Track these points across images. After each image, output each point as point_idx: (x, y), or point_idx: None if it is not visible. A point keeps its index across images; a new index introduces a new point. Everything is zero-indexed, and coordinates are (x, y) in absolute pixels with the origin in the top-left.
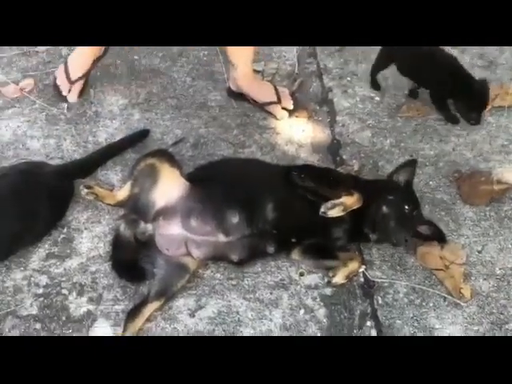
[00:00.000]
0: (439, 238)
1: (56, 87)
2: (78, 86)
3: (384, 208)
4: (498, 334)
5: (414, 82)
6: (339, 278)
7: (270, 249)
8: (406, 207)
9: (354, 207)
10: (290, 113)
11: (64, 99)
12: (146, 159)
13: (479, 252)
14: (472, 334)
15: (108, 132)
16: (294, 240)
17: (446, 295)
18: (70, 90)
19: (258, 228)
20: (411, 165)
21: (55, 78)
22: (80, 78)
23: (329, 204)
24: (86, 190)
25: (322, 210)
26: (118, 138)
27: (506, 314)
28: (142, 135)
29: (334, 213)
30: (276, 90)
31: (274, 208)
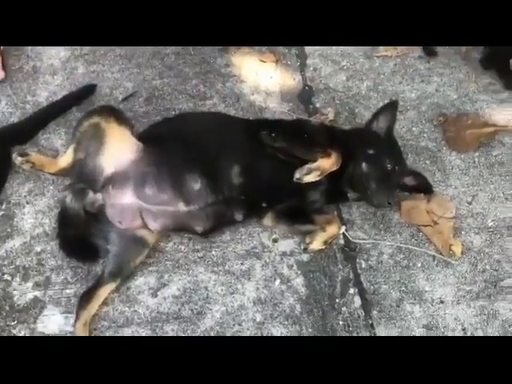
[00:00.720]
0: (425, 188)
1: None
2: None
3: (364, 165)
4: (492, 292)
5: None
6: (317, 245)
7: (239, 216)
8: (388, 163)
9: (332, 169)
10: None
11: None
12: (89, 118)
13: (469, 203)
14: (464, 294)
15: (49, 89)
16: (264, 205)
17: (435, 254)
18: None
19: (224, 194)
20: (391, 108)
21: None
22: None
23: (304, 169)
24: (20, 159)
25: (297, 176)
26: (60, 95)
27: (501, 270)
28: (88, 91)
29: (311, 178)
30: None
31: (240, 171)
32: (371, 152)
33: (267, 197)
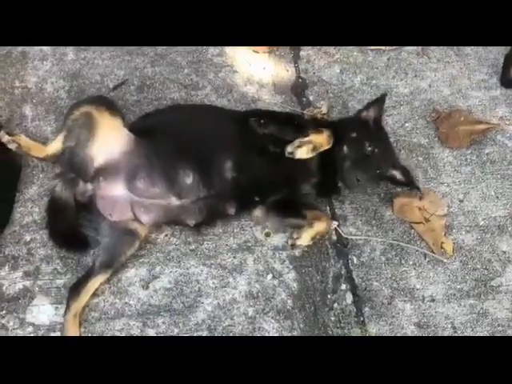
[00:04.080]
0: (411, 184)
1: None
2: None
3: (345, 148)
4: (482, 291)
5: None
6: (304, 240)
7: (231, 210)
8: (368, 146)
9: (325, 147)
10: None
11: None
12: (80, 106)
13: (461, 201)
14: (455, 292)
15: (38, 75)
16: (257, 199)
17: (426, 251)
18: None
19: (216, 189)
20: (380, 100)
21: None
22: None
23: (296, 142)
24: (7, 137)
25: (289, 149)
26: (49, 82)
27: (491, 269)
28: None
29: (303, 153)
30: None
31: (233, 166)
32: (353, 135)
33: (260, 191)
